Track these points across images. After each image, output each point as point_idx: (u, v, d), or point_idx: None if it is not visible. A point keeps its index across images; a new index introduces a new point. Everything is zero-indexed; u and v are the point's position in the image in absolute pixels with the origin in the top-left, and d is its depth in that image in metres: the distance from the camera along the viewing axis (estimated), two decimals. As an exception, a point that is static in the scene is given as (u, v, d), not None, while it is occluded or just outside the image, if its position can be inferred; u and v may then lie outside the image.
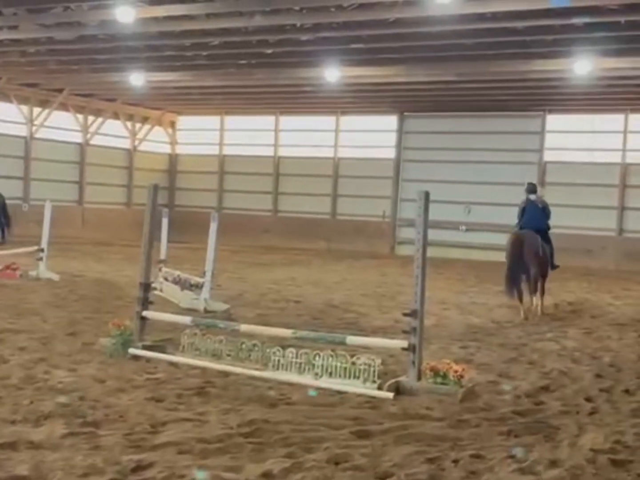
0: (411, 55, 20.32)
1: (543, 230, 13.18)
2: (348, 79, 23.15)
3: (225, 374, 7.20)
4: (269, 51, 21.12)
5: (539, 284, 13.03)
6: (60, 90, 29.43)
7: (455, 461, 4.89)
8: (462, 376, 6.67)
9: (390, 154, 31.10)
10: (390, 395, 6.50)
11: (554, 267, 13.52)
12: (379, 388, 6.66)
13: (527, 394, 6.88)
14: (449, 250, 27.28)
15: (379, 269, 21.54)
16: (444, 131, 29.80)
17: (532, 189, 13.69)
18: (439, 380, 6.66)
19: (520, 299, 12.62)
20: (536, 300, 12.96)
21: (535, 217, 13.25)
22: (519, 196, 14.32)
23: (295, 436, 5.29)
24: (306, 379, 6.95)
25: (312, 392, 6.05)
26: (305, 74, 23.04)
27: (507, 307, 13.47)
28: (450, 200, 27.94)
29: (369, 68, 21.78)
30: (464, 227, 29.25)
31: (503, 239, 15.64)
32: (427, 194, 6.85)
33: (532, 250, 12.75)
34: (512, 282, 12.68)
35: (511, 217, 14.65)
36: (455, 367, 6.72)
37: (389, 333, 9.67)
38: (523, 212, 13.43)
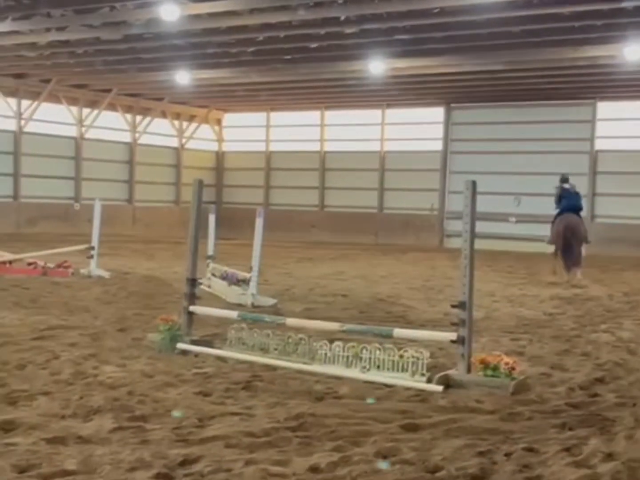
0: (457, 45, 20.08)
1: (580, 211, 16.75)
2: (393, 71, 22.99)
3: (272, 367, 7.17)
4: (314, 45, 21.07)
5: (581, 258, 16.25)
6: (108, 91, 29.81)
7: (508, 454, 4.78)
8: (513, 368, 6.53)
9: (437, 146, 30.84)
10: (440, 388, 6.40)
11: (587, 242, 16.63)
12: (428, 381, 6.56)
13: (581, 386, 6.71)
14: (499, 242, 26.95)
15: (427, 263, 21.36)
16: (492, 122, 29.46)
17: (565, 179, 16.94)
18: (489, 372, 6.53)
19: (568, 271, 16.01)
20: (579, 272, 16.07)
21: (573, 201, 16.55)
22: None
23: (343, 430, 5.23)
24: (353, 373, 6.89)
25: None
26: (350, 67, 22.94)
27: (559, 298, 13.24)
28: (499, 192, 27.62)
29: (414, 59, 21.58)
30: (513, 219, 28.87)
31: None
32: (474, 183, 6.73)
33: (580, 231, 16.17)
34: (569, 258, 16.07)
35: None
36: (506, 359, 6.59)
37: (437, 326, 9.54)
38: (560, 198, 16.67)
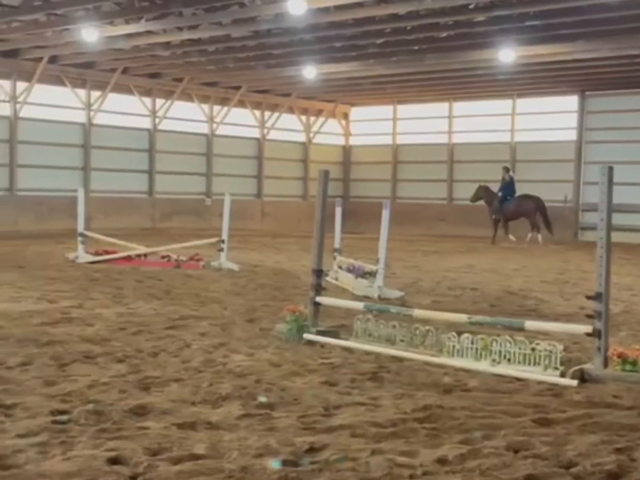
0: (591, 29, 19.31)
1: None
2: (524, 59, 22.37)
3: (399, 359, 7.08)
4: (443, 35, 20.77)
5: None
6: (238, 88, 30.42)
7: (647, 452, 4.52)
8: (654, 363, 6.20)
9: (571, 135, 29.87)
10: (574, 382, 6.14)
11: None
12: (562, 375, 6.31)
13: None
14: (636, 235, 25.80)
15: (561, 255, 20.70)
16: (630, 109, 28.19)
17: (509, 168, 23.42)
18: (628, 367, 6.22)
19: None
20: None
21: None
22: None
23: (472, 422, 5.09)
24: (483, 365, 6.71)
25: (262, 399, 5.55)
26: (479, 56, 22.48)
27: None
28: (638, 183, 26.43)
29: (546, 46, 20.90)
30: None
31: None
32: (610, 169, 6.41)
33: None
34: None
35: None
36: (646, 353, 6.26)
37: (571, 320, 9.18)
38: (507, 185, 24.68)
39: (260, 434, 4.83)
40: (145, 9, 19.20)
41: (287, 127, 33.74)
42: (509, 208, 25.44)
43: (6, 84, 25.13)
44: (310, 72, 25.14)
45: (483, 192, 26.40)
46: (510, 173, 26.26)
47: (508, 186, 25.89)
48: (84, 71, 26.39)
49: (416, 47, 22.38)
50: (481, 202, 26.57)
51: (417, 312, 7.77)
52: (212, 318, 9.30)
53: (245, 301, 10.92)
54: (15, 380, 6.02)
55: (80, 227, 15.83)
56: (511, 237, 25.08)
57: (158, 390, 5.86)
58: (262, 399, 5.13)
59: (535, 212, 25.32)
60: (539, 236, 24.96)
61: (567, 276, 15.21)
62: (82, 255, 15.67)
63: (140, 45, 22.52)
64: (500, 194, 25.73)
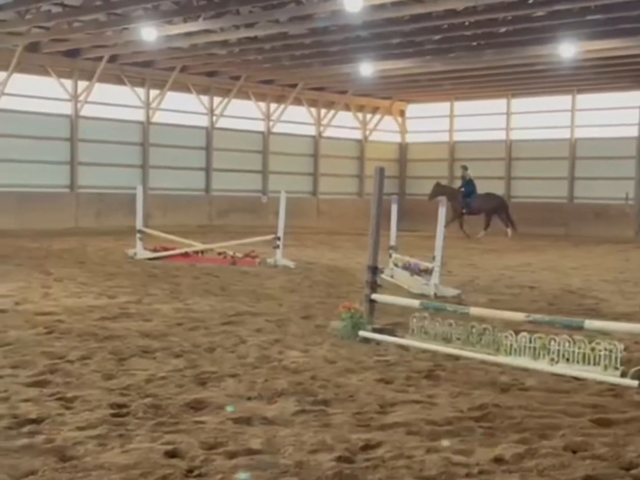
0: (655, 22, 18.89)
1: None
2: (585, 54, 21.96)
3: (455, 357, 7.02)
4: (501, 30, 20.53)
5: None
6: (294, 85, 30.51)
7: None
8: None
9: (633, 132, 29.25)
10: (635, 383, 6.01)
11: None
12: (622, 375, 6.18)
13: None
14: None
15: (622, 254, 20.31)
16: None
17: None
18: (690, 368, 6.07)
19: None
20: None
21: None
22: None
23: (529, 422, 5.02)
24: (541, 365, 6.61)
25: (229, 409, 5.34)
26: (538, 51, 22.14)
27: None
28: None
29: (607, 41, 20.48)
30: None
31: None
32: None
33: None
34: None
35: None
36: None
37: (632, 319, 9.00)
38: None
39: (316, 430, 4.83)
40: (203, 8, 19.40)
41: (343, 124, 33.71)
42: (474, 204, 27.15)
43: (68, 83, 25.62)
44: (366, 69, 25.08)
45: (442, 189, 27.39)
46: (469, 171, 27.94)
47: (469, 184, 27.65)
48: (143, 70, 26.76)
49: (474, 43, 22.16)
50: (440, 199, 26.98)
51: (474, 310, 7.69)
52: (267, 314, 9.35)
53: (301, 298, 10.95)
54: (75, 374, 6.14)
55: (139, 224, 16.05)
56: (464, 231, 26.41)
57: (214, 385, 5.92)
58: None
59: (499, 210, 27.43)
60: (509, 230, 26.87)
61: (627, 275, 14.92)
62: (140, 251, 15.90)
63: (198, 43, 22.74)
64: (462, 190, 27.66)
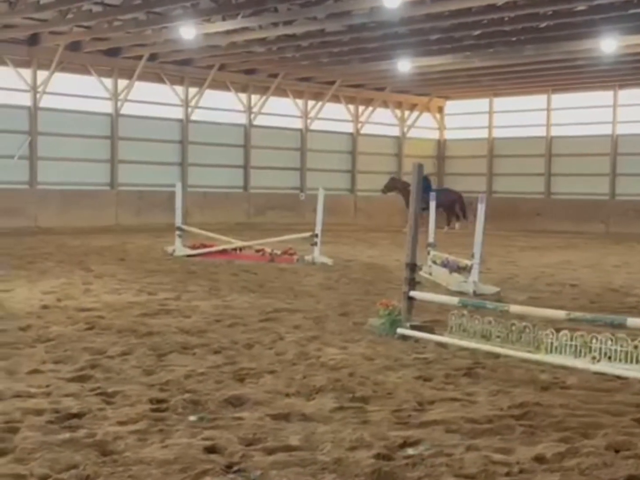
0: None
1: None
2: (627, 48, 21.63)
3: (495, 355, 6.96)
4: (542, 25, 20.31)
5: None
6: (332, 83, 30.49)
7: None
8: None
9: (676, 127, 28.77)
10: (679, 382, 5.91)
11: None
12: (666, 374, 6.08)
13: None
14: None
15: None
16: None
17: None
18: None
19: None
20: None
21: None
22: None
23: (571, 421, 4.96)
24: (582, 363, 6.52)
25: (193, 418, 5.08)
26: (579, 46, 21.87)
27: None
28: None
29: (650, 35, 20.18)
30: None
31: None
32: None
33: None
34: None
35: None
36: None
37: (677, 318, 8.83)
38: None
39: (354, 427, 4.82)
40: (241, 6, 19.47)
41: (381, 121, 33.62)
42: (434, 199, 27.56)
43: (108, 81, 25.89)
44: (404, 65, 24.97)
45: (396, 183, 27.37)
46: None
47: (424, 180, 26.76)
48: (182, 68, 26.94)
49: (514, 38, 21.95)
50: (393, 193, 27.86)
51: (514, 308, 7.62)
52: (305, 311, 9.36)
53: (338, 295, 10.95)
54: (116, 369, 6.20)
55: (178, 221, 16.18)
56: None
57: (253, 382, 5.94)
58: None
59: (456, 204, 28.41)
60: (457, 224, 27.93)
61: (671, 273, 14.68)
62: (179, 248, 16.03)
63: (236, 41, 22.83)
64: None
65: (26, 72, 24.12)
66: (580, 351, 6.63)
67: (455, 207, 28.77)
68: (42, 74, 24.19)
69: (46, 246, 17.52)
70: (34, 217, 24.05)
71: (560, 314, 7.30)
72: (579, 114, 31.19)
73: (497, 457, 4.29)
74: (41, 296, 10.09)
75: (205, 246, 16.11)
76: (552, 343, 6.82)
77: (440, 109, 35.64)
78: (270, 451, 4.37)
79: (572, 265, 16.02)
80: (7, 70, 23.74)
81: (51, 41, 23.15)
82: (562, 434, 4.70)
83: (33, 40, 23.18)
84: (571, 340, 6.71)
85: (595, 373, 6.31)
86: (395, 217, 29.77)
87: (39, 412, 4.95)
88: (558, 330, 6.89)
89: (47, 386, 5.62)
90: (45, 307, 9.25)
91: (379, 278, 13.11)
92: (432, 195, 14.87)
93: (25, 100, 24.29)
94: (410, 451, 4.43)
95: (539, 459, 4.28)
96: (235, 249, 15.93)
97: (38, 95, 24.26)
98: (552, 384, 6.02)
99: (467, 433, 4.74)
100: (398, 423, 4.94)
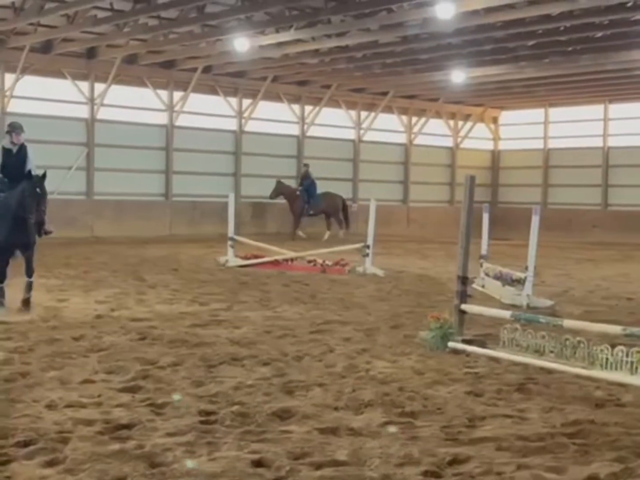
0: None
1: None
2: (686, 58, 21.20)
3: (548, 371, 6.84)
4: (598, 35, 20.01)
5: None
6: (385, 94, 30.45)
7: None
8: None
9: None
10: None
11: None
12: None
13: None
14: None
15: None
16: None
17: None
18: None
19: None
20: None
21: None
22: None
23: (626, 440, 4.83)
24: (639, 380, 6.36)
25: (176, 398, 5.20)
26: (636, 56, 21.46)
27: None
28: None
29: None
30: None
31: None
32: None
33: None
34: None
35: None
36: None
37: None
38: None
39: (403, 442, 4.77)
40: (295, 18, 19.57)
41: (434, 132, 33.45)
42: (318, 204, 26.35)
43: (163, 93, 26.25)
44: (458, 76, 24.82)
45: (282, 188, 26.53)
46: (310, 169, 26.97)
47: (312, 184, 26.57)
48: (236, 80, 27.18)
49: (569, 48, 21.68)
50: (281, 198, 26.67)
51: (568, 323, 7.47)
52: (356, 323, 9.32)
53: (390, 307, 10.88)
54: (166, 380, 6.25)
55: (231, 231, 16.28)
56: (300, 233, 25.68)
57: (301, 395, 5.92)
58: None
59: (340, 209, 26.62)
60: (341, 232, 25.82)
61: None
62: (232, 259, 16.12)
63: (289, 53, 22.95)
64: (302, 189, 26.39)
65: (84, 85, 24.60)
66: (637, 368, 6.47)
67: (339, 214, 26.68)
68: (99, 87, 24.64)
69: (101, 256, 17.79)
70: (90, 227, 24.46)
71: (616, 329, 7.13)
72: (637, 125, 30.61)
73: (549, 476, 4.21)
74: (95, 306, 10.24)
75: (257, 257, 16.18)
76: (607, 359, 6.67)
77: (495, 120, 35.33)
78: (318, 466, 4.35)
79: (629, 279, 15.69)
80: (66, 83, 24.25)
81: (108, 54, 23.57)
82: (616, 454, 4.59)
83: (91, 53, 23.65)
84: (627, 356, 6.55)
85: (651, 389, 6.15)
86: (449, 228, 29.52)
87: (89, 423, 5.01)
88: (613, 346, 6.74)
89: (99, 396, 5.68)
90: (99, 316, 9.38)
91: (430, 290, 13.00)
92: (486, 207, 14.67)
93: (83, 112, 24.76)
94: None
95: (592, 479, 4.18)
96: (287, 260, 15.97)
97: (95, 108, 24.70)
98: (607, 401, 5.89)
99: (518, 451, 4.65)
100: (447, 439, 4.88)
